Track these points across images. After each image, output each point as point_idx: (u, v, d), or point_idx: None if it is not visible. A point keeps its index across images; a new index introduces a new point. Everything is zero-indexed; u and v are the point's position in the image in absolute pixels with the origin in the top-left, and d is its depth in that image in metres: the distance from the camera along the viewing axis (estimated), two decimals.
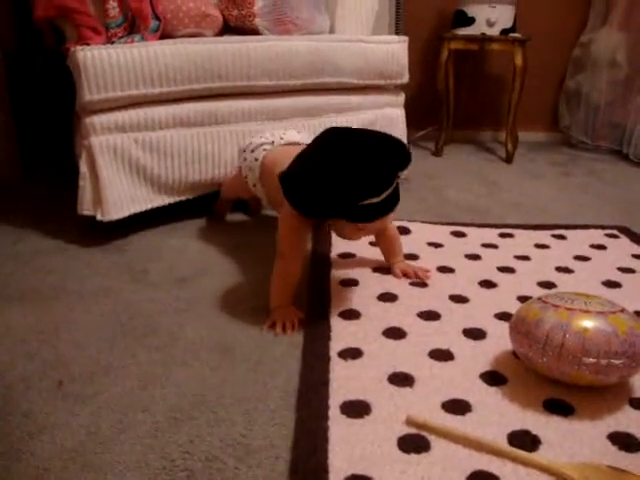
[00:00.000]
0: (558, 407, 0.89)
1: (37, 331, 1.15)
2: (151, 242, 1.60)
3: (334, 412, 0.88)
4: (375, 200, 1.07)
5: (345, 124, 1.90)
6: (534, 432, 0.83)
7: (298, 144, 1.43)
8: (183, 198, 1.73)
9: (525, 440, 0.82)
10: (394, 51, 1.90)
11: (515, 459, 0.78)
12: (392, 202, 1.13)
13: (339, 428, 0.84)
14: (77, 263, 1.48)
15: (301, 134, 1.54)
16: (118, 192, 1.57)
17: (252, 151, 1.47)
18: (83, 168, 1.56)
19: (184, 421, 0.89)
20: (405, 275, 1.36)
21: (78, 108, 1.57)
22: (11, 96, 2.19)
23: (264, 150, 1.45)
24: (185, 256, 1.51)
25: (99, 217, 1.54)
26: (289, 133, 1.52)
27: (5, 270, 1.44)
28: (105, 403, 0.93)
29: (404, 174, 1.16)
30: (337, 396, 0.92)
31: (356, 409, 0.89)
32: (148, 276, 1.40)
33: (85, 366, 1.03)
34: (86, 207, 1.57)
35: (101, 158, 1.55)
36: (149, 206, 1.66)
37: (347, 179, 1.04)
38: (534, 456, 0.78)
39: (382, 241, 1.42)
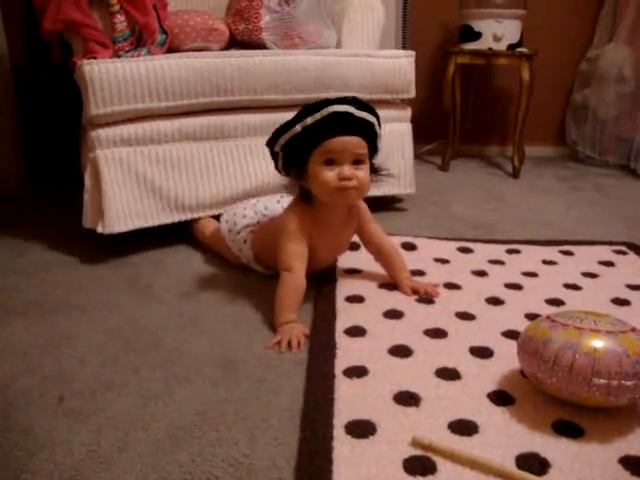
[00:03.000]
0: (568, 429, 0.87)
1: (39, 346, 1.14)
2: (157, 257, 1.60)
3: (339, 432, 0.86)
4: (322, 113, 1.16)
5: None
6: (543, 455, 0.81)
7: None
8: (193, 216, 1.68)
9: (534, 463, 0.80)
10: (401, 66, 1.89)
11: None
12: (344, 122, 1.18)
13: (343, 449, 0.83)
14: (81, 277, 1.47)
15: (282, 201, 1.51)
16: (122, 205, 1.56)
17: (238, 233, 1.44)
18: (88, 181, 1.56)
19: (186, 440, 0.87)
20: (415, 292, 1.34)
21: (84, 121, 1.58)
22: (20, 109, 2.21)
23: (251, 232, 1.43)
24: (190, 271, 1.50)
25: (100, 230, 1.53)
26: (271, 207, 1.48)
27: (9, 283, 1.44)
28: (106, 420, 0.92)
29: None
30: (342, 415, 0.90)
31: (361, 429, 0.87)
32: (153, 291, 1.39)
33: (87, 382, 1.02)
34: (90, 220, 1.57)
35: (106, 171, 1.54)
36: (155, 222, 1.63)
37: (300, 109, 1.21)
38: None
39: (381, 257, 1.41)
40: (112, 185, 1.55)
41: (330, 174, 1.20)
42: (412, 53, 1.93)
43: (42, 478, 0.80)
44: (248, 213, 1.48)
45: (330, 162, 1.20)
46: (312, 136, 1.19)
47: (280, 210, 1.48)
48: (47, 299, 1.35)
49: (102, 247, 1.62)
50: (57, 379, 1.03)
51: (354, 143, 1.20)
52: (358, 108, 1.20)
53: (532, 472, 0.77)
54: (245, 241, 1.43)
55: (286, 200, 1.55)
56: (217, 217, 1.65)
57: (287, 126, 1.21)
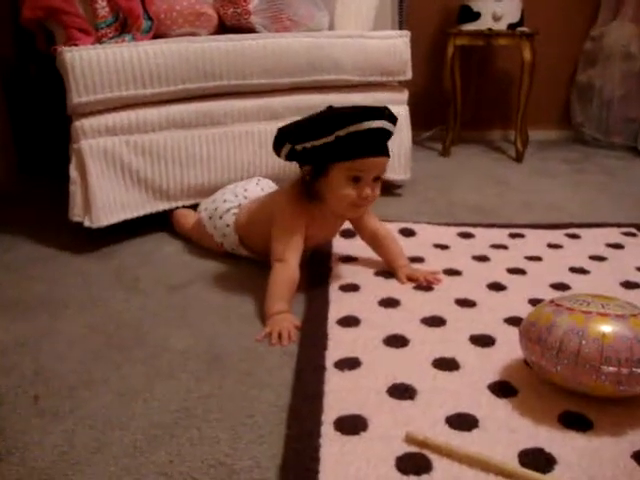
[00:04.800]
0: (575, 422, 0.80)
1: (18, 343, 1.09)
2: (144, 249, 1.54)
3: (327, 429, 0.80)
4: (358, 127, 1.10)
5: None
6: (548, 450, 0.75)
7: None
8: (179, 204, 1.64)
9: (538, 459, 0.73)
10: (395, 46, 1.82)
11: None
12: (378, 140, 1.14)
13: (332, 446, 0.77)
14: (67, 271, 1.42)
15: (260, 183, 1.49)
16: (108, 197, 1.51)
17: (220, 217, 1.39)
18: (73, 173, 1.50)
19: (165, 439, 0.82)
20: (412, 280, 1.28)
21: (68, 111, 1.52)
22: (7, 104, 2.15)
23: (234, 215, 1.38)
24: (178, 264, 1.44)
25: (87, 223, 1.48)
26: (250, 189, 1.45)
27: None
28: (82, 420, 0.86)
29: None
30: (331, 411, 0.84)
31: (351, 425, 0.81)
32: (139, 284, 1.34)
33: (65, 380, 0.97)
34: (77, 213, 1.51)
35: (91, 162, 1.49)
36: (142, 212, 1.59)
37: (323, 114, 1.15)
38: (548, 478, 0.70)
39: (377, 245, 1.36)
40: (98, 177, 1.50)
41: (352, 192, 1.16)
42: (407, 33, 1.86)
43: None
44: (228, 197, 1.43)
45: (355, 179, 1.15)
46: (344, 149, 1.13)
47: (260, 192, 1.43)
48: (30, 295, 1.29)
49: (88, 240, 1.56)
50: (34, 378, 0.98)
51: (382, 164, 1.17)
52: (389, 119, 1.15)
53: (537, 469, 0.72)
54: (228, 225, 1.38)
55: (265, 183, 1.51)
56: (194, 207, 1.61)
57: (318, 130, 1.13)
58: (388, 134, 1.16)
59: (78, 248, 1.54)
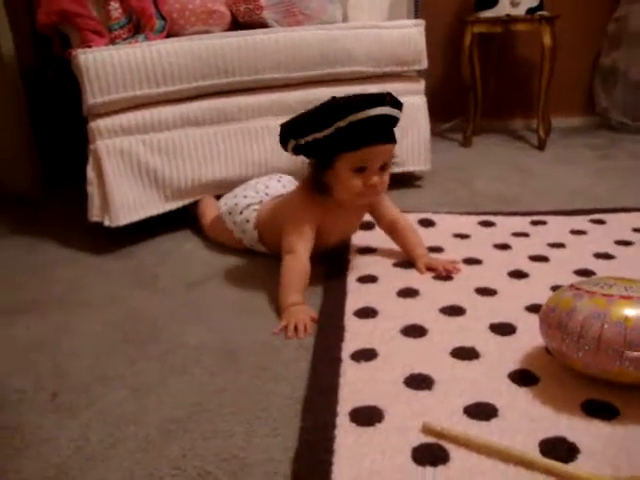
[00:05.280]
0: (599, 409, 0.77)
1: (38, 342, 1.10)
2: (164, 247, 1.54)
3: (342, 420, 0.79)
4: (358, 117, 1.08)
5: None
6: (571, 439, 0.72)
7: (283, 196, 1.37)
8: (194, 199, 1.64)
9: (560, 449, 0.71)
10: (410, 35, 1.79)
11: (548, 471, 0.67)
12: (380, 127, 1.11)
13: (347, 438, 0.75)
14: (87, 272, 1.43)
15: (282, 180, 1.48)
16: (127, 196, 1.52)
17: (240, 213, 1.38)
18: (90, 173, 1.51)
19: (178, 433, 0.81)
20: (431, 270, 1.25)
21: (84, 112, 1.53)
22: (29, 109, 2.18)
23: (254, 211, 1.37)
24: (197, 261, 1.44)
25: (107, 223, 1.48)
26: (272, 185, 1.44)
27: (15, 281, 1.40)
28: (97, 415, 0.86)
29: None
30: (346, 402, 0.82)
31: (367, 416, 0.79)
32: (157, 282, 1.34)
33: (81, 376, 0.97)
34: (95, 213, 1.52)
35: (108, 162, 1.50)
36: (160, 210, 1.59)
37: (323, 106, 1.13)
38: (571, 468, 0.67)
39: (396, 235, 1.33)
40: (115, 176, 1.50)
41: (357, 181, 1.14)
42: (422, 22, 1.83)
43: (26, 476, 0.75)
44: (249, 193, 1.42)
45: (360, 169, 1.13)
46: (345, 140, 1.11)
47: (281, 189, 1.42)
48: (50, 295, 1.31)
49: (109, 240, 1.57)
50: (52, 374, 0.98)
51: (387, 151, 1.14)
52: (392, 105, 1.12)
53: (558, 459, 0.69)
54: (248, 221, 1.37)
55: (286, 179, 1.49)
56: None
57: (318, 123, 1.12)
58: (392, 120, 1.14)
59: (99, 248, 1.55)
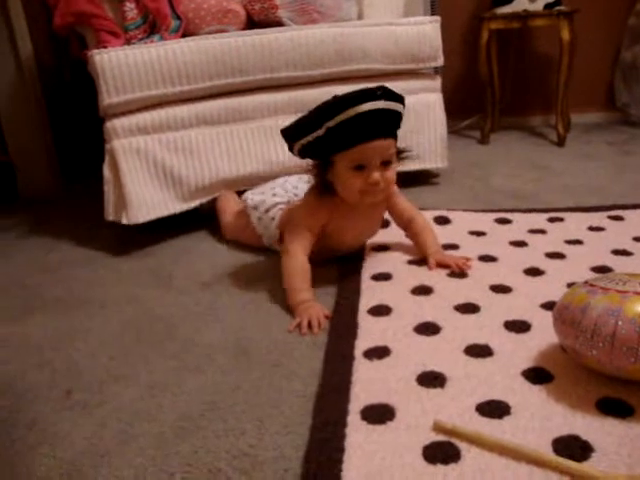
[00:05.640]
0: (614, 408, 0.76)
1: (54, 340, 1.11)
2: (181, 247, 1.55)
3: (353, 418, 0.78)
4: (347, 115, 1.06)
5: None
6: (585, 437, 0.71)
7: None
8: (211, 196, 1.65)
9: (574, 447, 0.69)
10: (425, 32, 1.78)
11: (561, 470, 0.66)
12: (372, 123, 1.08)
13: (357, 436, 0.75)
14: (104, 271, 1.44)
15: (311, 181, 1.47)
16: (143, 195, 1.53)
17: (267, 211, 1.38)
18: (106, 173, 1.53)
19: (191, 431, 0.81)
20: (441, 266, 1.24)
21: (100, 112, 1.55)
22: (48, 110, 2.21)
23: (280, 210, 1.37)
24: (213, 260, 1.44)
25: (124, 221, 1.50)
26: (300, 187, 1.42)
27: (33, 280, 1.43)
28: (111, 413, 0.87)
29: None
30: (358, 400, 0.82)
31: (378, 414, 0.79)
32: (173, 281, 1.35)
33: (96, 374, 0.98)
34: (112, 213, 1.54)
35: (124, 161, 1.51)
36: (177, 209, 1.60)
37: (318, 105, 1.11)
38: (585, 466, 0.66)
39: (412, 233, 1.33)
40: (131, 175, 1.52)
41: (358, 180, 1.13)
42: (437, 18, 1.82)
43: (40, 472, 0.76)
44: (278, 191, 1.42)
45: (359, 167, 1.12)
46: (338, 139, 1.10)
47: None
48: (67, 295, 1.32)
49: (128, 240, 1.59)
50: (67, 372, 1.00)
51: (385, 147, 1.12)
52: (386, 98, 1.09)
53: (572, 457, 0.67)
54: (273, 219, 1.36)
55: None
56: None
57: (309, 125, 1.11)
58: (388, 114, 1.10)
59: (116, 248, 1.57)
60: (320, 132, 1.10)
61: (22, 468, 0.77)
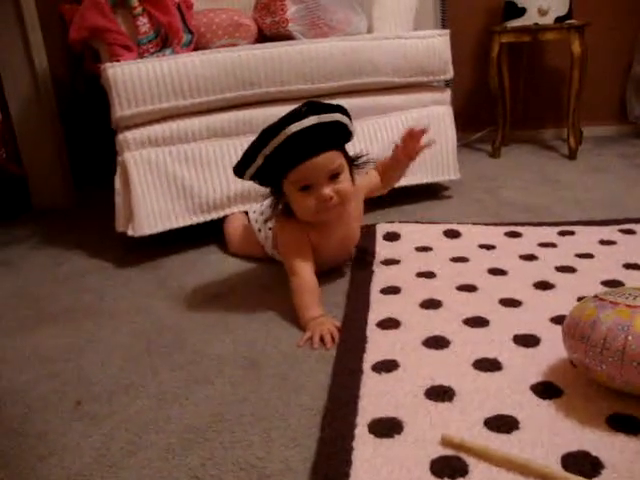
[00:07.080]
0: (625, 423, 0.75)
1: (63, 351, 1.12)
2: (189, 258, 1.56)
3: (361, 431, 0.78)
4: (279, 140, 1.07)
5: (388, 125, 1.81)
6: (594, 453, 0.70)
7: None
8: (226, 212, 1.65)
9: (583, 463, 0.69)
10: (435, 45, 1.79)
11: None
12: (306, 142, 1.08)
13: (365, 449, 0.74)
14: (114, 282, 1.45)
15: None
16: (152, 207, 1.54)
17: (265, 222, 1.40)
18: (118, 184, 1.55)
19: (198, 442, 0.81)
20: (407, 148, 1.22)
21: (112, 125, 1.57)
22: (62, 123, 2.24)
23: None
24: (223, 272, 1.45)
25: (130, 232, 1.51)
26: None
27: (44, 291, 1.44)
28: (119, 424, 0.87)
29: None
30: (366, 413, 0.82)
31: (386, 428, 0.78)
32: (182, 292, 1.35)
33: (105, 385, 0.99)
34: (123, 224, 1.55)
35: (135, 173, 1.53)
36: (187, 222, 1.60)
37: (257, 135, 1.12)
38: None
39: (383, 171, 1.31)
40: (141, 187, 1.53)
41: (309, 200, 1.14)
42: (447, 32, 1.83)
43: None
44: None
45: (306, 187, 1.13)
46: (278, 165, 1.11)
47: None
48: (78, 305, 1.33)
49: (135, 251, 1.60)
50: (77, 383, 1.00)
51: (326, 161, 1.12)
52: (318, 112, 1.09)
53: (581, 474, 0.67)
54: (270, 229, 1.39)
55: None
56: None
57: (249, 157, 1.13)
58: (322, 128, 1.09)
59: (127, 260, 1.58)
60: (259, 162, 1.12)
61: (32, 478, 0.78)
